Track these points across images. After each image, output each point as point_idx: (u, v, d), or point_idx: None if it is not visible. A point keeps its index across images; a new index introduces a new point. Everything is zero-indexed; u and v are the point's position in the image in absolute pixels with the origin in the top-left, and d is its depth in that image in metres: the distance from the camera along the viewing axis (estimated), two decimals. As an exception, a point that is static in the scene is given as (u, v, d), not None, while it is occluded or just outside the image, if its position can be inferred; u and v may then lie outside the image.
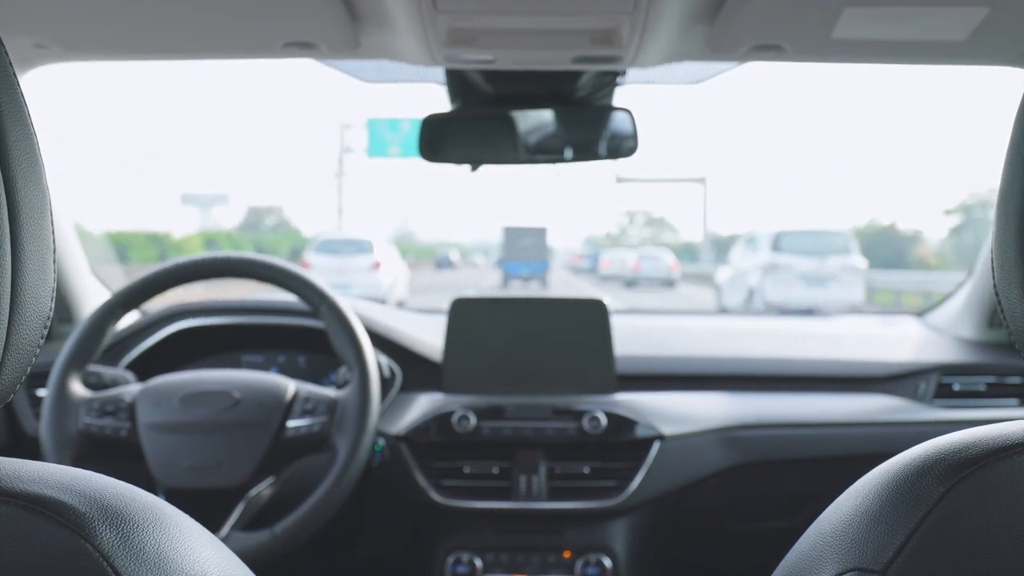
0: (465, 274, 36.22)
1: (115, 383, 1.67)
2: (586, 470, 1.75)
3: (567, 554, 1.76)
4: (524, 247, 27.47)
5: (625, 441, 1.74)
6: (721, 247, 45.13)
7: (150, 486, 1.50)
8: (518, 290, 18.38)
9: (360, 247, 16.62)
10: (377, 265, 16.11)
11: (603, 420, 1.73)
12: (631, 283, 27.64)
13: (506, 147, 1.71)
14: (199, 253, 1.69)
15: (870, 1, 1.27)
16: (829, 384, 1.93)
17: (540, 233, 27.86)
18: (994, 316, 1.98)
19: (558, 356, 1.84)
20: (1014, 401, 1.91)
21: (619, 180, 39.40)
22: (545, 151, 1.72)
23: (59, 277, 1.91)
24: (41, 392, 1.74)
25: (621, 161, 1.72)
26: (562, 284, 29.17)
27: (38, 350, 0.55)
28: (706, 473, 1.78)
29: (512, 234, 27.87)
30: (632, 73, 1.66)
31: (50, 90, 1.75)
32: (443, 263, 41.73)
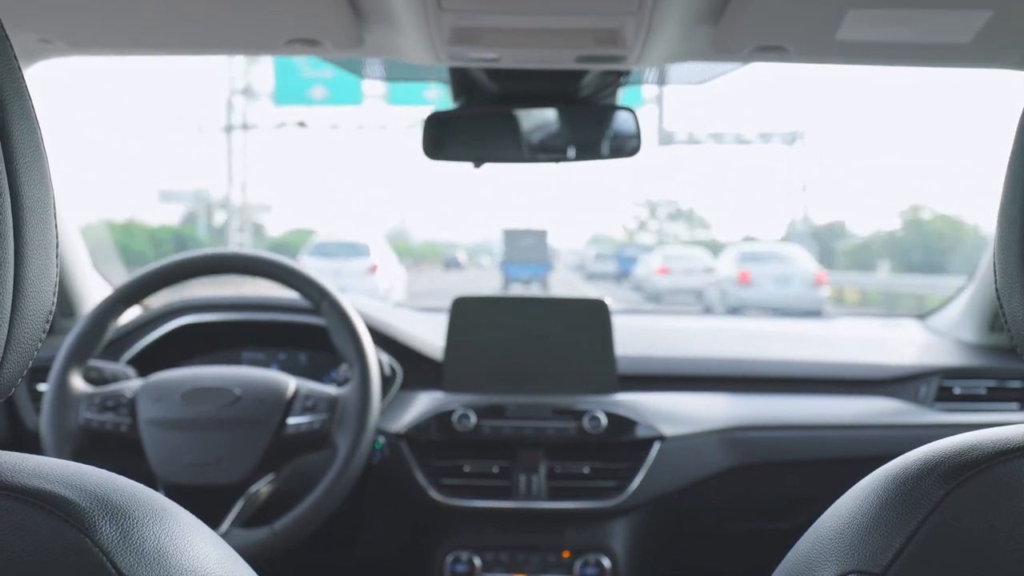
0: (473, 275, 35.58)
1: (116, 378, 1.67)
2: (586, 470, 1.75)
3: (566, 554, 1.76)
4: (524, 249, 26.47)
5: (625, 441, 1.74)
6: (823, 240, 29.75)
7: (150, 482, 1.49)
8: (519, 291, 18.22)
9: (356, 250, 16.31)
10: (374, 268, 15.81)
11: (603, 420, 1.73)
12: (736, 309, 15.40)
13: (509, 146, 1.71)
14: (202, 249, 1.69)
15: (874, 3, 1.27)
16: (830, 386, 1.93)
17: (540, 235, 26.98)
18: (995, 320, 1.98)
19: (559, 356, 1.84)
20: (1015, 405, 1.91)
21: (663, 142, 24.53)
22: (548, 150, 1.72)
23: (61, 272, 1.92)
24: (42, 387, 1.74)
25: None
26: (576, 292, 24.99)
27: (40, 344, 0.55)
28: (706, 474, 1.78)
29: (512, 236, 27.02)
30: (636, 73, 1.66)
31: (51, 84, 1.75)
32: (451, 264, 42.37)
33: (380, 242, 18.02)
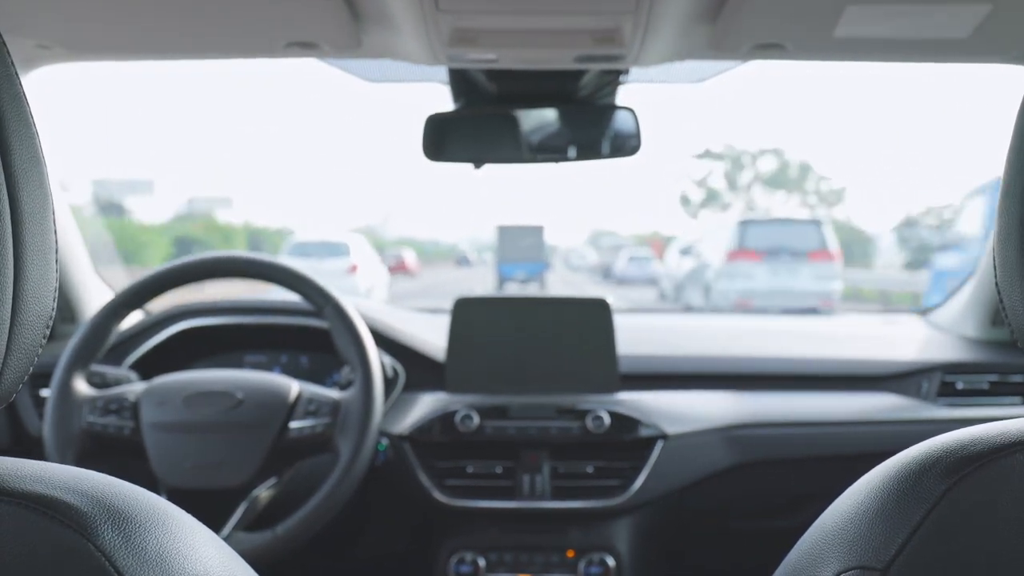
0: (482, 272, 35.95)
1: (118, 382, 1.67)
2: (589, 469, 1.75)
3: (570, 553, 1.76)
4: (521, 247, 25.06)
5: (628, 440, 1.74)
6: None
7: (152, 486, 1.50)
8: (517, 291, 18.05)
9: (335, 250, 16.26)
10: (353, 269, 15.73)
11: (606, 419, 1.73)
12: None
13: (509, 146, 1.71)
14: (203, 253, 1.69)
15: None
16: (832, 383, 1.93)
17: (537, 232, 25.70)
18: (997, 314, 1.98)
19: (561, 355, 1.84)
20: (1017, 399, 1.91)
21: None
22: (548, 150, 1.72)
23: (62, 277, 1.92)
24: (44, 392, 1.74)
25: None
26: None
27: (40, 350, 0.55)
28: (709, 472, 1.78)
29: (507, 233, 25.61)
30: (634, 72, 1.66)
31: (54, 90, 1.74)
32: (462, 261, 46.12)
33: (361, 241, 17.92)
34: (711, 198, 33.51)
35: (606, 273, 31.33)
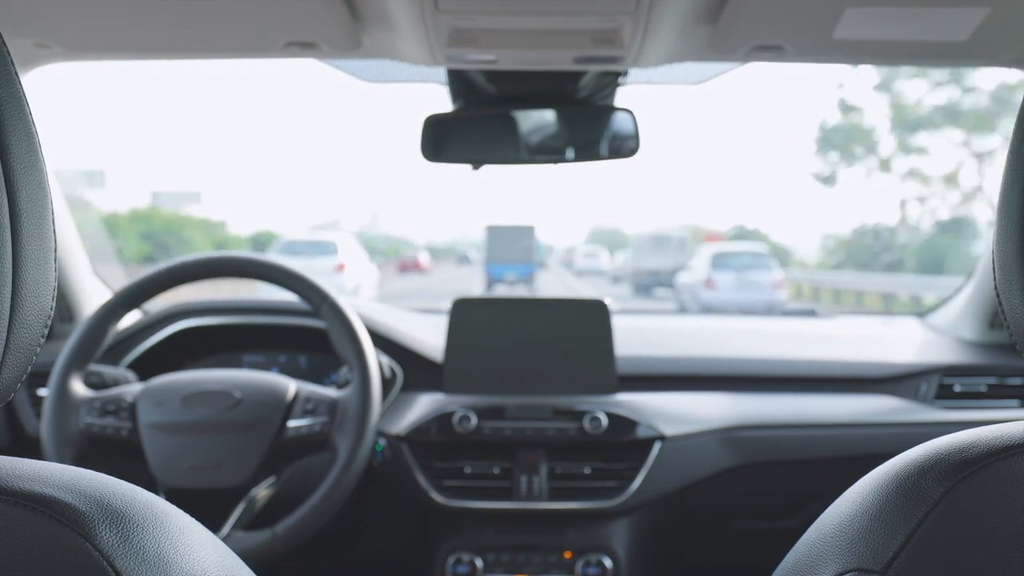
0: (481, 271, 36.17)
1: (116, 383, 1.67)
2: (587, 470, 1.75)
3: (568, 554, 1.76)
4: (511, 248, 24.48)
5: (626, 441, 1.74)
6: None
7: (151, 486, 1.50)
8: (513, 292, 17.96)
9: (323, 248, 16.49)
10: (341, 267, 15.93)
11: (604, 420, 1.73)
12: None
13: (508, 147, 1.71)
14: (202, 253, 1.69)
15: (871, 2, 1.27)
16: (830, 385, 1.93)
17: (528, 232, 25.09)
18: (995, 317, 1.98)
19: (559, 356, 1.84)
20: (1015, 402, 1.91)
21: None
22: (546, 151, 1.72)
23: (60, 276, 1.91)
24: (42, 391, 1.74)
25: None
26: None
27: (39, 349, 0.55)
28: (707, 473, 1.78)
29: (496, 233, 25.05)
30: (633, 73, 1.66)
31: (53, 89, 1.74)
32: (463, 260, 50.43)
33: (349, 240, 18.11)
34: (852, 142, 18.22)
35: (642, 286, 21.06)
